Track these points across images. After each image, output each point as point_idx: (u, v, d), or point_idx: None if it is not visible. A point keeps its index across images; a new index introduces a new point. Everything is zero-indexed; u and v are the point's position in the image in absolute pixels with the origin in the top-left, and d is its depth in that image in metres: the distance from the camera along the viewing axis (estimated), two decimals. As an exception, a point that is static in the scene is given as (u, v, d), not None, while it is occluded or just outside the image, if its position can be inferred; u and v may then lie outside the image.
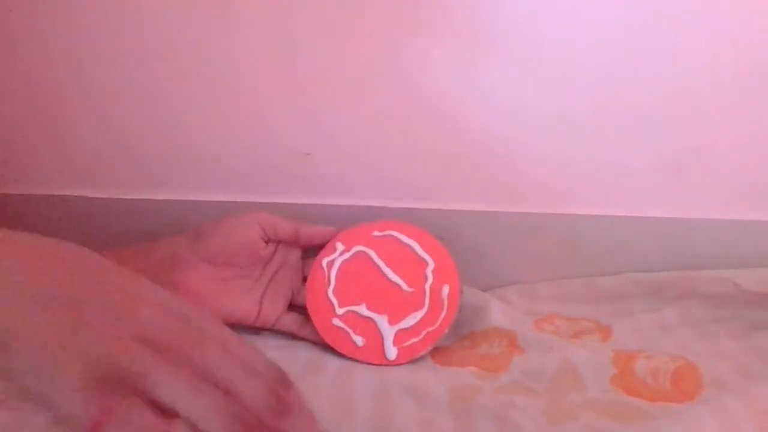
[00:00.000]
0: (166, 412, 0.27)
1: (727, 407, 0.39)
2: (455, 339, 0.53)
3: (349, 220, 0.54)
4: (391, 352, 0.49)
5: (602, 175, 0.55)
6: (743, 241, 0.55)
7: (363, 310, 0.50)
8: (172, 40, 0.52)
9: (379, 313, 0.50)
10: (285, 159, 0.56)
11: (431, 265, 0.51)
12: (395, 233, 0.52)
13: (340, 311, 0.50)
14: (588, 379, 0.46)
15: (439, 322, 0.50)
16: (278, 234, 0.47)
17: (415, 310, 0.50)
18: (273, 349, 0.49)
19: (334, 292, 0.51)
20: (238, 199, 0.57)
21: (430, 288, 0.51)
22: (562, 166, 0.55)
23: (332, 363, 0.49)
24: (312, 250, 0.53)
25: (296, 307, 0.53)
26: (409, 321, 0.50)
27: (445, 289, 0.51)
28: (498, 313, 0.53)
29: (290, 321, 0.51)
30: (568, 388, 0.46)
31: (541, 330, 0.53)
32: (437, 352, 0.51)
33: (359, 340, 0.50)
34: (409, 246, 0.52)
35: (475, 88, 0.53)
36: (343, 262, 0.52)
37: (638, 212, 0.55)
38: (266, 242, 0.49)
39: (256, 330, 0.51)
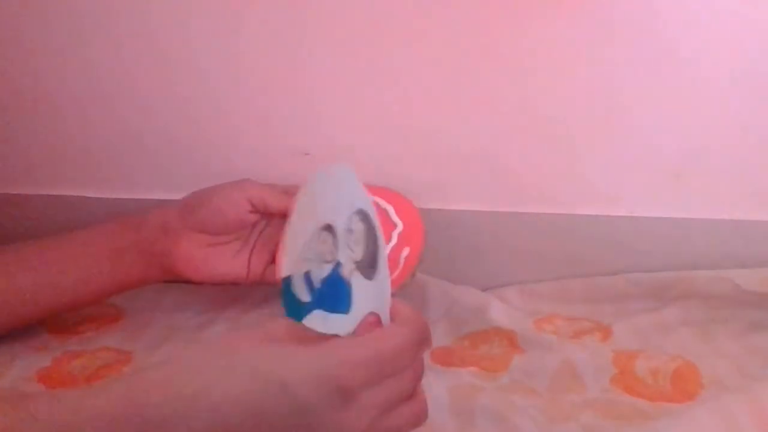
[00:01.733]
0: None
1: (727, 407, 0.39)
2: (455, 339, 0.53)
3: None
4: None
5: (602, 175, 0.55)
6: (743, 241, 0.55)
7: None
8: (176, 40, 0.52)
9: None
10: (285, 159, 0.56)
11: (399, 228, 0.51)
12: (377, 198, 0.52)
13: None
14: (588, 379, 0.46)
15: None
16: (268, 208, 0.48)
17: None
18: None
19: None
20: (238, 199, 0.57)
21: (391, 249, 0.51)
22: (562, 166, 0.55)
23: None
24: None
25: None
26: None
27: (405, 252, 0.51)
28: (498, 313, 0.53)
29: (271, 272, 0.50)
30: (568, 388, 0.46)
31: (541, 330, 0.53)
32: (437, 352, 0.51)
33: None
34: (385, 210, 0.52)
35: (475, 88, 0.53)
36: None
37: (638, 212, 0.55)
38: (255, 213, 0.49)
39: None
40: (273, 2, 0.50)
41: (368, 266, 0.40)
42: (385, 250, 0.40)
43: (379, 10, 0.50)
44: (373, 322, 0.36)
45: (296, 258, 0.44)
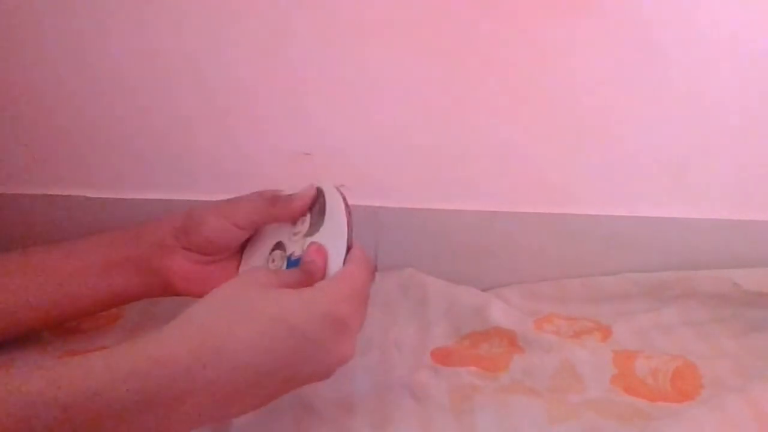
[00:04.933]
0: None
1: (727, 407, 0.39)
2: (455, 339, 0.53)
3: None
4: None
5: (602, 175, 0.55)
6: (743, 241, 0.55)
7: None
8: (172, 40, 0.52)
9: None
10: (285, 159, 0.56)
11: None
12: None
13: None
14: (588, 379, 0.46)
15: None
16: (257, 225, 0.47)
17: None
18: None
19: None
20: (238, 199, 0.57)
21: None
22: (562, 166, 0.55)
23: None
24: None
25: None
26: None
27: None
28: (498, 313, 0.53)
29: None
30: (568, 388, 0.46)
31: (541, 330, 0.53)
32: (437, 352, 0.51)
33: None
34: None
35: (474, 88, 0.53)
36: None
37: (638, 212, 0.56)
38: (247, 231, 0.48)
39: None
40: (271, 2, 0.50)
41: (318, 218, 0.44)
42: (332, 191, 0.44)
43: (379, 10, 0.50)
44: (316, 249, 0.41)
45: None
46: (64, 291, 0.46)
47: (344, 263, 0.40)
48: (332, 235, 0.42)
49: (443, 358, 0.50)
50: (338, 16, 0.50)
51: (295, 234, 0.45)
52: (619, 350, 0.49)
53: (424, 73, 0.52)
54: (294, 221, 0.46)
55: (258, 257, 0.47)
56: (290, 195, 0.46)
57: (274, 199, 0.46)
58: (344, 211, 0.42)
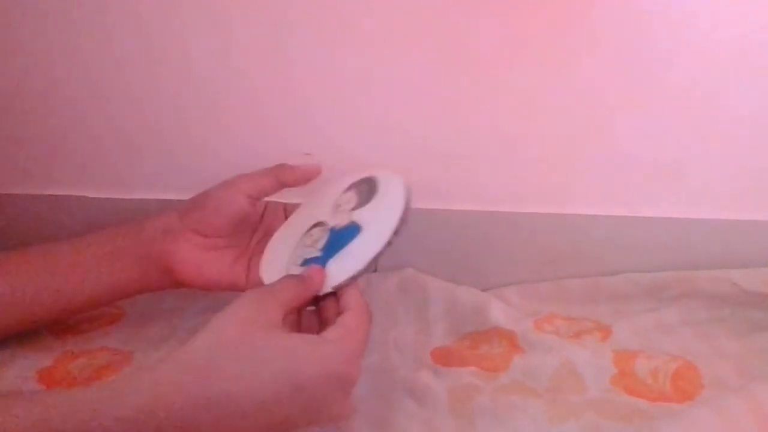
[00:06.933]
0: None
1: (727, 407, 0.39)
2: (455, 339, 0.53)
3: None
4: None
5: (602, 175, 0.55)
6: (743, 241, 0.55)
7: None
8: (172, 40, 0.52)
9: None
10: (285, 159, 0.56)
11: None
12: None
13: None
14: (588, 379, 0.46)
15: None
16: (266, 192, 0.48)
17: None
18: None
19: None
20: (238, 199, 0.57)
21: None
22: (562, 167, 0.55)
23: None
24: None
25: None
26: None
27: None
28: (498, 313, 0.53)
29: None
30: (568, 388, 0.46)
31: (541, 330, 0.53)
32: (437, 352, 0.51)
33: None
34: None
35: (474, 89, 0.53)
36: None
37: (638, 212, 0.55)
38: (255, 202, 0.49)
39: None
40: (271, 2, 0.50)
41: (366, 197, 0.45)
42: (390, 176, 0.46)
43: (378, 12, 0.50)
44: (317, 271, 0.41)
45: (282, 264, 0.45)
46: (70, 282, 0.46)
47: (346, 304, 0.40)
48: (383, 212, 0.43)
49: (443, 358, 0.50)
50: (339, 16, 0.50)
51: (338, 208, 0.46)
52: (619, 350, 0.49)
53: (424, 73, 0.52)
54: (330, 198, 0.47)
55: (292, 236, 0.47)
56: (294, 168, 0.48)
57: (280, 165, 0.47)
58: (403, 190, 0.44)
